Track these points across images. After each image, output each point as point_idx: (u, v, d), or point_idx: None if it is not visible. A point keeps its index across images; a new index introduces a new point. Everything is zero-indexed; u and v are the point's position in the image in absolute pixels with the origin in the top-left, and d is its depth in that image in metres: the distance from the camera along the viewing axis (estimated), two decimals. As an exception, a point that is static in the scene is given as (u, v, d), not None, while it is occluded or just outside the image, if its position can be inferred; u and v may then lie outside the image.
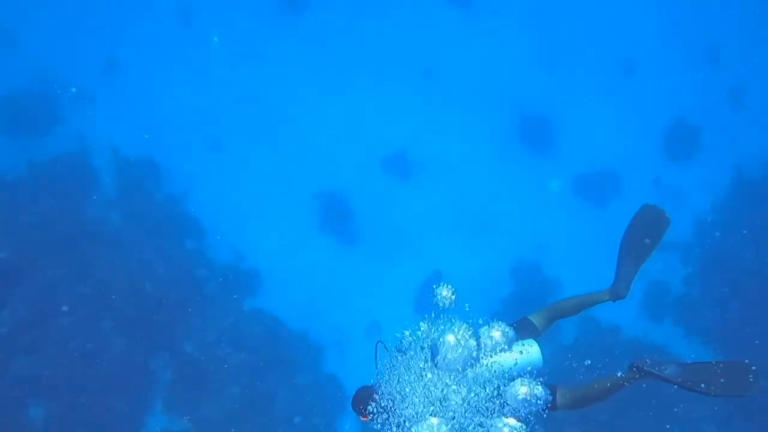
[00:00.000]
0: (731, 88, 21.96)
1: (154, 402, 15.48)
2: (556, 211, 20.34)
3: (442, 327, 4.72)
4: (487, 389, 4.60)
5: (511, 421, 4.46)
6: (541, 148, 21.36)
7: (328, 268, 19.38)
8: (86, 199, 17.56)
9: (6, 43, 21.43)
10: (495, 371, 4.66)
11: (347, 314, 18.26)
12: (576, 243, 19.29)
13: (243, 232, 19.20)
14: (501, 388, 4.65)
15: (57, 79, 20.59)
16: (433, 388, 4.59)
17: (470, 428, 4.52)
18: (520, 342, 4.95)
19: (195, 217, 18.55)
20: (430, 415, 4.50)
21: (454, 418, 4.52)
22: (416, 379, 4.64)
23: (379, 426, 4.74)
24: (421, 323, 4.83)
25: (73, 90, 20.62)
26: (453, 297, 4.84)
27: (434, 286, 4.88)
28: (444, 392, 4.58)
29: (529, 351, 4.90)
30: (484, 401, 4.58)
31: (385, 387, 4.74)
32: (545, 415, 4.66)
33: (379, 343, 5.03)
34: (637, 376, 4.86)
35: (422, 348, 4.74)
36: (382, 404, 4.70)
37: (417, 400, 4.57)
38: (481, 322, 4.88)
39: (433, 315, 4.81)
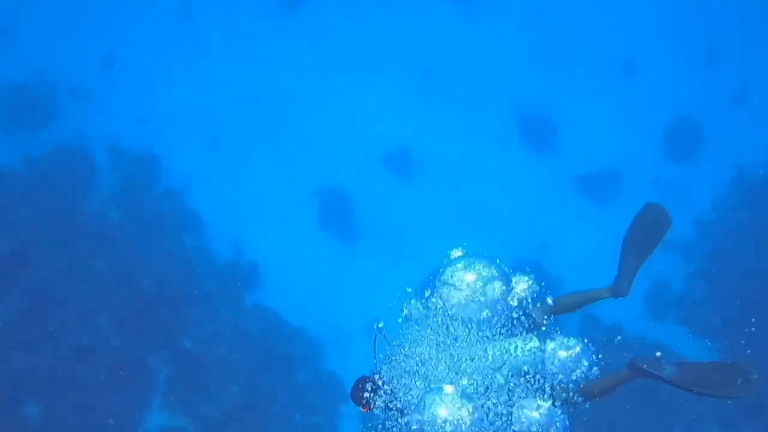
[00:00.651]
0: (732, 88, 21.96)
1: (152, 399, 15.32)
2: (557, 209, 20.29)
3: (461, 264, 4.65)
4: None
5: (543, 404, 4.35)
6: (541, 147, 21.33)
7: (328, 266, 19.28)
8: (84, 194, 17.43)
9: (4, 38, 21.29)
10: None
11: (347, 312, 18.14)
12: (577, 242, 19.25)
13: (243, 229, 19.10)
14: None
15: (55, 74, 20.46)
16: (454, 355, 4.49)
17: (495, 407, 4.39)
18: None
19: (194, 213, 18.42)
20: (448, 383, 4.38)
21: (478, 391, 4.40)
22: (436, 346, 4.54)
23: (380, 410, 4.69)
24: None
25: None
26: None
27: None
28: (465, 362, 4.46)
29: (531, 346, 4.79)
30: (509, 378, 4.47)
31: (390, 369, 4.65)
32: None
33: (378, 334, 4.98)
34: (635, 375, 4.83)
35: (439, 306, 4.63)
36: (385, 388, 4.63)
37: (437, 369, 4.45)
38: (508, 270, 4.78)
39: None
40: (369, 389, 4.69)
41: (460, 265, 4.70)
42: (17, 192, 16.34)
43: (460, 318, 4.57)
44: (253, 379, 15.44)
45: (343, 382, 16.36)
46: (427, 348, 4.57)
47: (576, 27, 22.95)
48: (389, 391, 4.63)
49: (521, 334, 4.80)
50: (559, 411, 4.44)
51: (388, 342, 4.88)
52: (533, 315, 5.09)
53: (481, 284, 4.59)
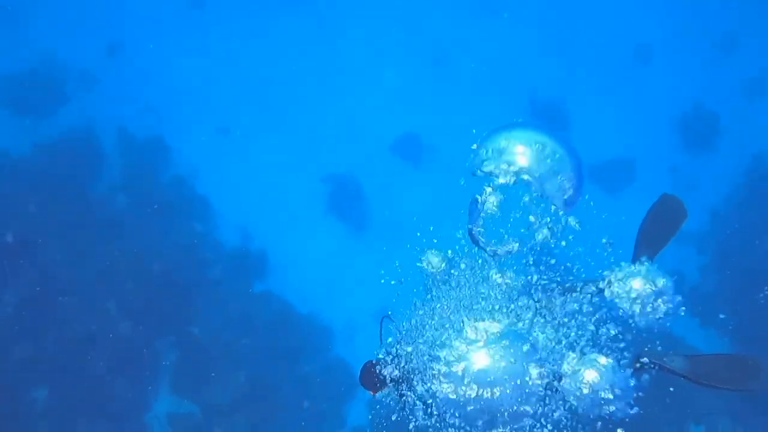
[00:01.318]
0: (749, 78, 21.60)
1: (159, 386, 15.29)
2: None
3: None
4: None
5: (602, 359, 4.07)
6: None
7: (336, 253, 19.16)
8: (92, 180, 17.38)
9: (12, 23, 21.22)
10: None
11: (355, 300, 18.03)
12: (589, 230, 19.02)
13: (251, 215, 19.00)
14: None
15: (63, 60, 20.38)
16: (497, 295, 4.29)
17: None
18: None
19: (203, 199, 18.34)
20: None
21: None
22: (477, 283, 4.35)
23: (392, 385, 4.60)
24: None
25: None
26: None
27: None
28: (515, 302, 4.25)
29: None
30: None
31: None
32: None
33: (385, 318, 4.92)
34: (644, 368, 4.69)
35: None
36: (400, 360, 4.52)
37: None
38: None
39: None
40: (384, 362, 4.60)
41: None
42: (25, 178, 16.30)
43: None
44: (260, 367, 15.38)
45: (351, 370, 16.27)
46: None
47: (591, 14, 22.63)
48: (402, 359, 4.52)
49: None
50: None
51: (395, 324, 4.78)
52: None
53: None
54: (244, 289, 16.79)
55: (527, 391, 4.01)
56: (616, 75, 22.08)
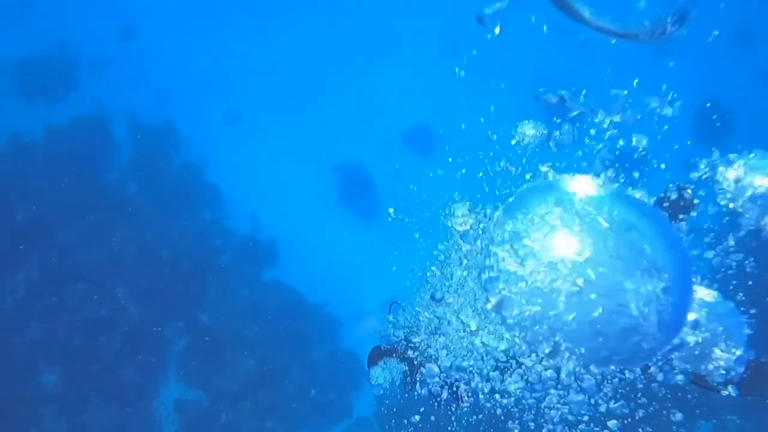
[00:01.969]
0: (763, 72, 21.31)
1: (167, 371, 15.33)
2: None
3: None
4: None
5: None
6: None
7: (345, 243, 19.09)
8: (103, 165, 17.38)
9: (25, 7, 21.18)
10: None
11: (364, 289, 17.99)
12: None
13: (261, 203, 18.95)
14: None
15: (75, 45, 20.35)
16: None
17: None
18: None
19: (213, 186, 18.32)
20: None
21: None
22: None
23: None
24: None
25: None
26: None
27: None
28: None
29: None
30: None
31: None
32: None
33: (394, 304, 4.87)
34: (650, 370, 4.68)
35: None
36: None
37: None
38: None
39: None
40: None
41: None
42: (36, 161, 16.35)
43: None
44: (268, 354, 15.39)
45: (359, 359, 16.25)
46: None
47: (606, 3, 22.29)
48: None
49: None
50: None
51: (404, 310, 4.73)
52: None
53: None
54: (253, 277, 16.79)
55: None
56: (630, 66, 21.80)
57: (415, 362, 4.57)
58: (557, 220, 3.44)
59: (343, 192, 19.88)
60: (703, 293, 3.38)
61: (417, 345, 4.58)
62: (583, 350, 3.36)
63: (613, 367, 3.53)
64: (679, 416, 13.01)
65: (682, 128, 20.57)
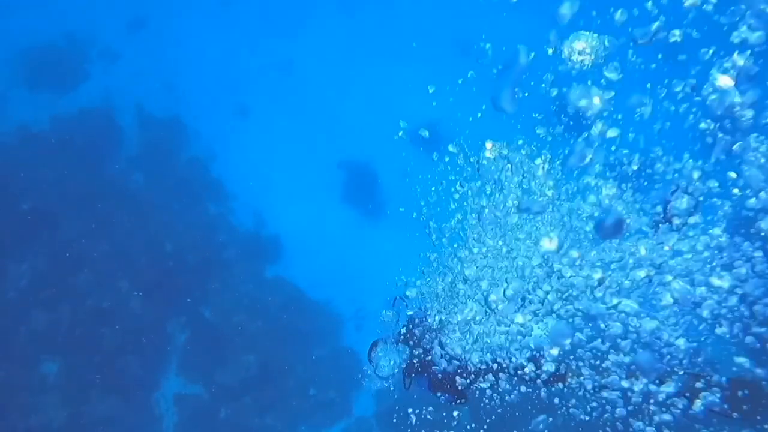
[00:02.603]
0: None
1: (168, 365, 15.32)
2: (591, 193, 19.71)
3: None
4: None
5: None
6: (576, 129, 20.68)
7: (349, 241, 19.03)
8: (110, 156, 17.38)
9: (36, -1, 21.21)
10: None
11: (367, 288, 17.92)
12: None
13: (266, 199, 18.91)
14: None
15: (85, 35, 20.35)
16: None
17: None
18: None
19: (218, 181, 18.29)
20: None
21: None
22: None
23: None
24: None
25: None
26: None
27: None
28: None
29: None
30: None
31: None
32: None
33: (398, 299, 5.25)
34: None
35: None
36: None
37: None
38: None
39: None
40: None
41: None
42: (43, 151, 16.35)
43: None
44: (269, 351, 15.35)
45: (360, 359, 16.20)
46: None
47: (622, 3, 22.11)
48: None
49: None
50: None
51: (407, 305, 5.08)
52: None
53: None
54: (257, 272, 16.76)
55: None
56: (643, 71, 21.59)
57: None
58: None
59: (347, 189, 19.82)
60: None
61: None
62: None
63: None
64: None
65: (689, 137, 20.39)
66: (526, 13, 22.28)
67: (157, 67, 20.50)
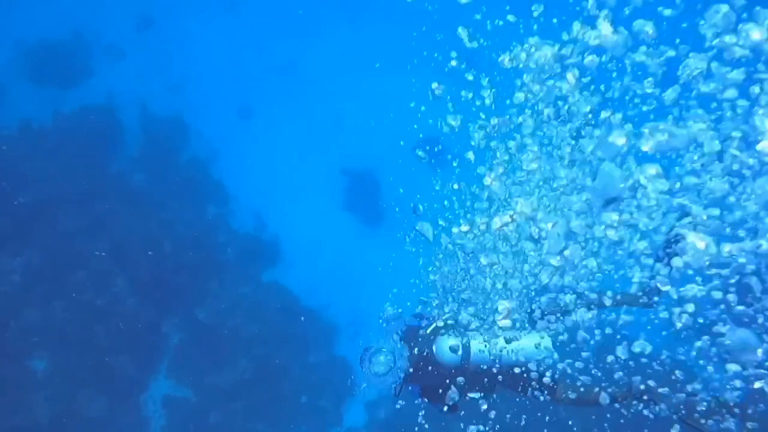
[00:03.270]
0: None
1: (159, 366, 15.13)
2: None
3: None
4: None
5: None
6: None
7: (348, 248, 18.87)
8: (111, 154, 17.31)
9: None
10: None
11: (364, 297, 17.75)
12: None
13: (266, 203, 18.78)
14: None
15: (90, 32, 20.34)
16: None
17: None
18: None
19: (219, 183, 18.20)
20: None
21: None
22: None
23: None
24: None
25: None
26: None
27: None
28: None
29: (541, 343, 4.85)
30: None
31: None
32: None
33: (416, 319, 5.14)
34: (634, 398, 4.79)
35: None
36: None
37: None
38: None
39: None
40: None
41: None
42: (44, 146, 16.28)
43: None
44: (263, 356, 15.17)
45: (354, 368, 16.00)
46: None
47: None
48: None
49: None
50: None
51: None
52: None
53: None
54: (255, 276, 16.61)
55: None
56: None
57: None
58: None
59: (349, 197, 19.69)
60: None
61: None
62: None
63: None
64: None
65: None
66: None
67: (162, 67, 20.47)
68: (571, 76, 4.03)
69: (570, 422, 11.76)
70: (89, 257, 14.92)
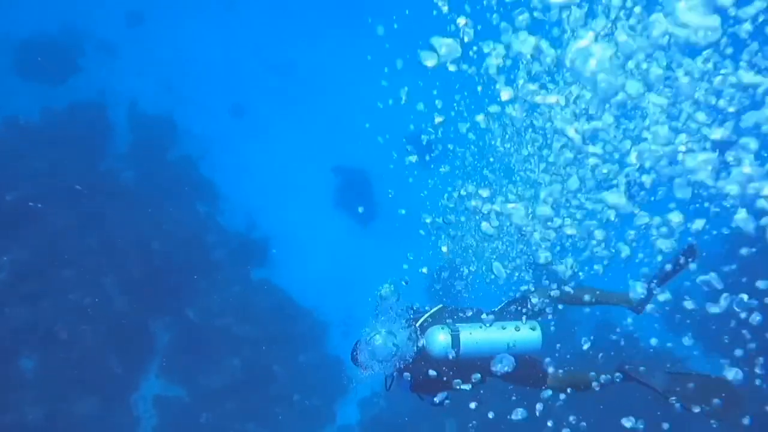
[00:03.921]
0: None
1: (149, 366, 14.99)
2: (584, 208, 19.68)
3: None
4: None
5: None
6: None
7: (340, 247, 18.83)
8: (100, 151, 17.14)
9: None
10: None
11: (355, 296, 17.70)
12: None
13: (257, 202, 18.68)
14: None
15: (81, 28, 20.14)
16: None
17: None
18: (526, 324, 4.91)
19: (209, 181, 18.07)
20: None
21: None
22: None
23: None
24: None
25: None
26: None
27: None
28: None
29: (531, 334, 4.86)
30: None
31: None
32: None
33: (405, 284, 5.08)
34: (623, 378, 4.83)
35: None
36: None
37: None
38: None
39: None
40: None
41: None
42: (33, 142, 16.09)
43: None
44: (254, 355, 15.09)
45: (346, 367, 15.95)
46: None
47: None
48: None
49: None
50: None
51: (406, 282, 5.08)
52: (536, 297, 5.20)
53: None
54: (245, 275, 16.52)
55: None
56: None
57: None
58: None
59: (341, 195, 19.64)
60: None
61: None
62: None
63: None
64: None
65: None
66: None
67: (153, 64, 20.32)
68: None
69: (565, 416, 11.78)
70: (77, 255, 14.75)
